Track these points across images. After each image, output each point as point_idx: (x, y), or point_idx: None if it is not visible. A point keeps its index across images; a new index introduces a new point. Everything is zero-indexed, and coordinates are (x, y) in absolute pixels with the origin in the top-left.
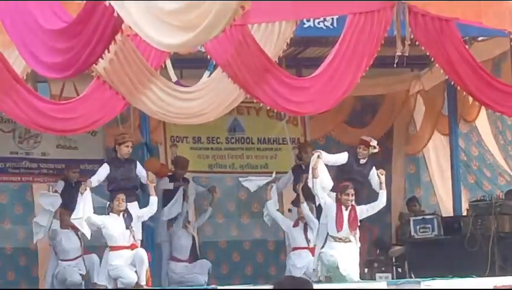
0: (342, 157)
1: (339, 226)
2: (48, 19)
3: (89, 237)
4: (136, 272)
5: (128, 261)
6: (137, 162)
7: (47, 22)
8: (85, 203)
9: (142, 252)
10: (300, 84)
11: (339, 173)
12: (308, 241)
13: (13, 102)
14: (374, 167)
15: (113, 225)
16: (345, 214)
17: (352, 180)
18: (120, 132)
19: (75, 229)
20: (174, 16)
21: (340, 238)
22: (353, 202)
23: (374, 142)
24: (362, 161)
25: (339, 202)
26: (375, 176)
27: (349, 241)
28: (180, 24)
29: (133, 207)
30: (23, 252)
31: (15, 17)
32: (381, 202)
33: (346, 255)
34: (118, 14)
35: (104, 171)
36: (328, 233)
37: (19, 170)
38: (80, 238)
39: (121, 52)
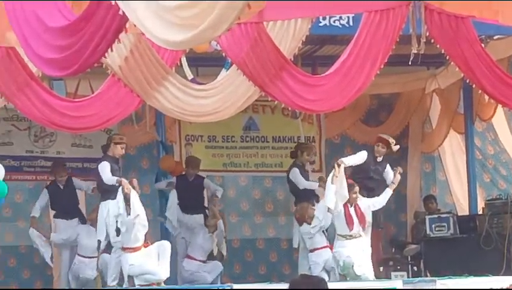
0: (362, 157)
1: (350, 225)
2: (52, 16)
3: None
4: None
5: (149, 258)
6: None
7: (51, 19)
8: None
9: (167, 244)
10: (314, 82)
11: (355, 172)
12: (327, 239)
13: (28, 99)
14: (388, 165)
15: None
16: (352, 211)
17: (369, 179)
18: (115, 133)
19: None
20: (175, 12)
21: (351, 235)
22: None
23: (392, 140)
24: (379, 159)
25: (346, 202)
26: (390, 173)
27: (360, 236)
28: (182, 21)
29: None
30: (38, 251)
31: (18, 14)
32: (383, 198)
33: (360, 252)
34: (123, 12)
35: (108, 169)
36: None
37: (34, 168)
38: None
39: (136, 49)
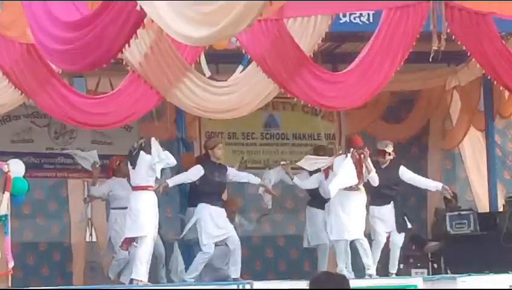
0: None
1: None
2: (68, 12)
3: None
4: None
5: None
6: (228, 167)
7: (66, 15)
8: None
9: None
10: (333, 79)
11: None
12: None
13: (48, 96)
14: (401, 166)
15: None
16: None
17: (382, 187)
18: (208, 137)
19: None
20: (196, 8)
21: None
22: None
23: (389, 148)
24: (384, 166)
25: None
26: (409, 174)
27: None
28: (203, 18)
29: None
30: (57, 248)
31: (30, 9)
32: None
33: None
34: (141, 7)
35: (196, 172)
36: None
37: (54, 165)
38: None
39: (156, 46)
